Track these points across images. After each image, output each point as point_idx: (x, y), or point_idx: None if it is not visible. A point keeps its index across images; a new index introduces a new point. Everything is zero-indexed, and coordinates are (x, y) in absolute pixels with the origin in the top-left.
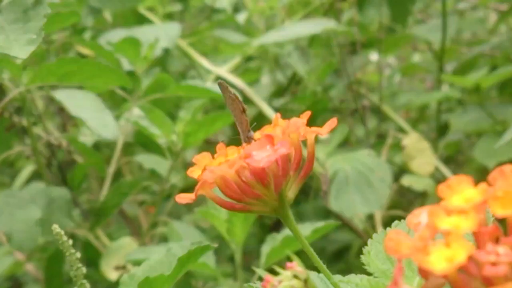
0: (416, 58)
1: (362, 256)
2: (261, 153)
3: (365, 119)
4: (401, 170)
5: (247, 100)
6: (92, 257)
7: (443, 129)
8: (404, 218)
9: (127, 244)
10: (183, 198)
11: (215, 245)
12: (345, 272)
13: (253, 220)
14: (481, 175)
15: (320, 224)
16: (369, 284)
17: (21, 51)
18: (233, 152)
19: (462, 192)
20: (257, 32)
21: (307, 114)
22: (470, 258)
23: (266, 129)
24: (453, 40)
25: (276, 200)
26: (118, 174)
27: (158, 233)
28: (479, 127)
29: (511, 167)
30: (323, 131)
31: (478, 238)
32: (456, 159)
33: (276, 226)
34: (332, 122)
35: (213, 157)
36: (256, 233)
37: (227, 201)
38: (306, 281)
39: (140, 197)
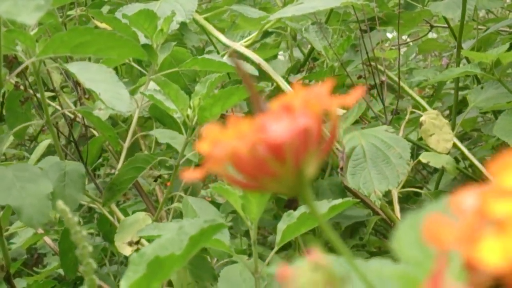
0: (431, 35)
1: (392, 242)
2: (278, 126)
3: (383, 95)
4: (417, 148)
5: (263, 74)
6: (107, 231)
7: (458, 106)
8: (419, 195)
9: (141, 219)
10: (190, 175)
11: (229, 223)
12: (359, 248)
13: (269, 197)
14: (497, 152)
15: (337, 201)
16: (396, 273)
17: (29, 17)
18: (247, 125)
19: None
20: (276, 7)
21: (330, 82)
22: None
23: (284, 99)
24: (469, 17)
25: (294, 178)
26: (135, 149)
27: (173, 208)
28: (497, 104)
29: None
30: (349, 101)
31: None
32: (470, 137)
33: (291, 202)
34: (359, 91)
35: (224, 130)
36: (272, 208)
37: (239, 179)
38: (330, 274)
39: (155, 172)
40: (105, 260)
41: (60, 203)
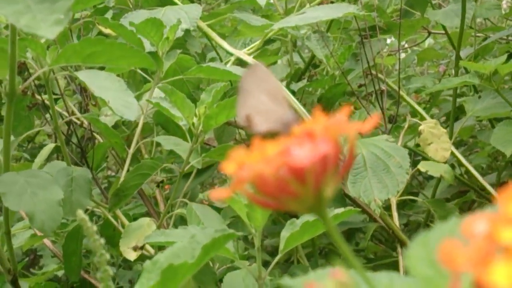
0: (428, 41)
1: (404, 259)
2: (301, 151)
3: (383, 104)
4: (414, 154)
5: None
6: (110, 235)
7: (455, 114)
8: (415, 202)
9: (145, 225)
10: (217, 194)
11: (239, 233)
12: (356, 253)
13: None
14: (493, 160)
15: (339, 210)
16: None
17: (48, 32)
18: (271, 148)
19: None
20: (277, 14)
21: (348, 108)
22: None
23: (306, 125)
24: (467, 25)
25: (314, 198)
26: (136, 152)
27: (175, 213)
28: (495, 113)
29: None
30: (365, 128)
31: None
32: (466, 143)
33: None
34: (375, 118)
35: (249, 152)
36: (271, 213)
37: (263, 199)
38: None
39: (157, 177)
40: None
41: (80, 212)
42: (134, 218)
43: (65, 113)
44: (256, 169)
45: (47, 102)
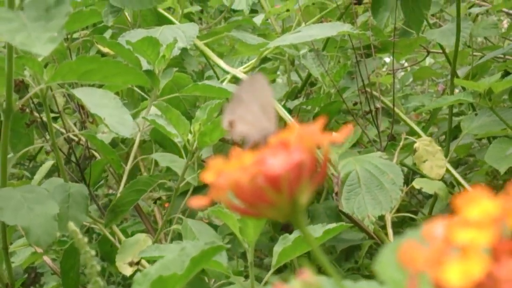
0: (429, 60)
1: (374, 265)
2: (275, 160)
3: (378, 121)
4: (413, 172)
5: None
6: (108, 252)
7: (453, 132)
8: (414, 220)
9: (142, 240)
10: (196, 202)
11: (228, 246)
12: (354, 271)
13: (265, 220)
14: (492, 178)
15: (331, 225)
16: None
17: (43, 49)
18: (248, 157)
19: (479, 204)
20: (274, 34)
21: (322, 119)
22: (487, 274)
23: (281, 135)
24: (465, 44)
25: (289, 206)
26: (135, 170)
27: (172, 230)
28: (490, 131)
29: None
30: (338, 139)
31: (495, 253)
32: (467, 162)
33: (287, 226)
34: (348, 129)
35: (227, 161)
36: (268, 231)
37: (240, 206)
38: None
39: (155, 194)
40: (103, 280)
41: (71, 225)
42: (133, 235)
43: (64, 131)
44: (233, 177)
45: (45, 119)
